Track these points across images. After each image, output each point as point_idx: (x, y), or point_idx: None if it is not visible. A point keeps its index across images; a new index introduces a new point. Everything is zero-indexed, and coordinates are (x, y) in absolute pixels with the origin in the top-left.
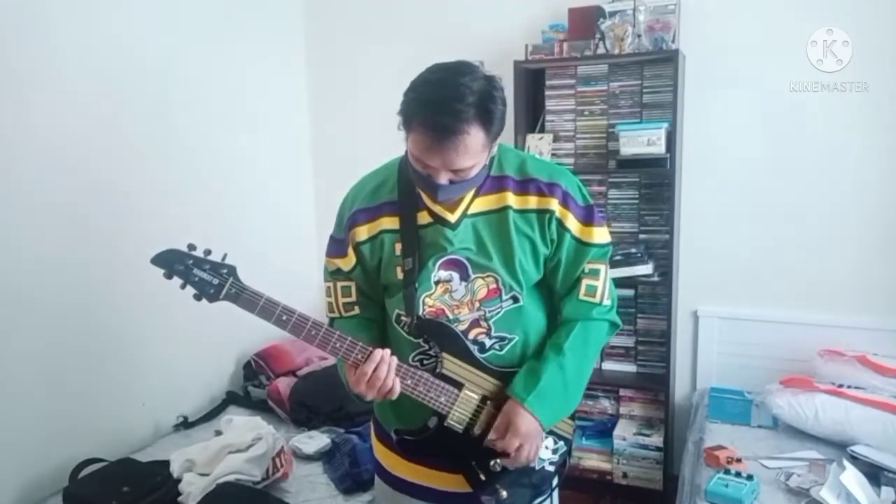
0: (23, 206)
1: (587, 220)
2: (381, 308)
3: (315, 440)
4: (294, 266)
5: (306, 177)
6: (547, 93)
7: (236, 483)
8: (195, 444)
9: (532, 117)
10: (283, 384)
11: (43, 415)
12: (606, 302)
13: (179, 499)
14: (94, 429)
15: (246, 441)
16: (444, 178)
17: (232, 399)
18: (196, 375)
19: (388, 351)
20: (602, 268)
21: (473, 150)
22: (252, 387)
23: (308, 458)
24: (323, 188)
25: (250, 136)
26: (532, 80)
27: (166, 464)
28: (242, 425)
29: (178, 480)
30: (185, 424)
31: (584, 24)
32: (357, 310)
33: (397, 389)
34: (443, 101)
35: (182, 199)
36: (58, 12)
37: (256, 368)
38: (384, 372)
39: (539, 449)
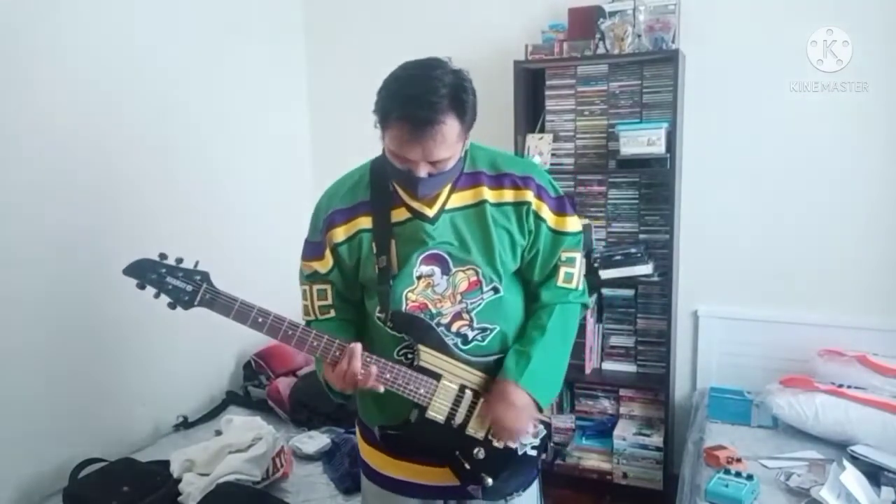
0: (22, 206)
1: (560, 210)
2: (358, 309)
3: (315, 440)
4: (294, 267)
5: (306, 178)
6: (547, 93)
7: (236, 483)
8: (195, 444)
9: (532, 117)
10: (283, 384)
11: (43, 415)
12: (580, 287)
13: (179, 499)
14: (94, 429)
15: (246, 441)
16: (423, 171)
17: (232, 399)
18: (196, 375)
19: (358, 345)
20: (577, 256)
21: (450, 139)
22: (252, 387)
23: (308, 458)
24: (323, 188)
25: (250, 138)
26: (532, 80)
27: (166, 464)
28: (242, 425)
29: (178, 480)
30: (185, 424)
31: (584, 24)
32: (333, 312)
33: (370, 380)
34: (418, 95)
35: (182, 199)
36: (59, 15)
37: (256, 368)
38: (352, 365)
39: (532, 424)
